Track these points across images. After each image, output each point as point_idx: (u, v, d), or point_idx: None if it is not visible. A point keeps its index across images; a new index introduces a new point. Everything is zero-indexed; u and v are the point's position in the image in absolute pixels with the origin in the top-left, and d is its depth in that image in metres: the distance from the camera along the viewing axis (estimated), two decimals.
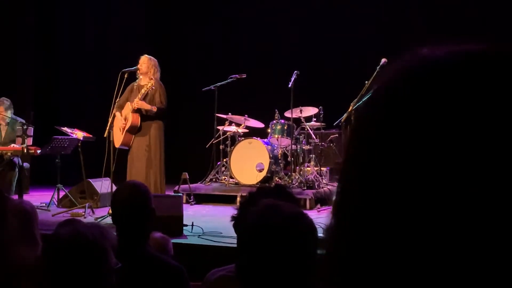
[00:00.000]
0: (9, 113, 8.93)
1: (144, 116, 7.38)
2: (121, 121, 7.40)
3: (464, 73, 0.55)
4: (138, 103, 7.26)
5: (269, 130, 8.95)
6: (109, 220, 6.48)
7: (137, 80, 7.54)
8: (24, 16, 11.45)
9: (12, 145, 8.64)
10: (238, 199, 7.43)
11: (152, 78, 7.38)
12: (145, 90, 7.31)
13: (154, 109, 7.31)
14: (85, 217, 6.84)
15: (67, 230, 2.16)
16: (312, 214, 6.79)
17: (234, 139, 8.94)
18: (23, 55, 11.44)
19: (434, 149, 0.53)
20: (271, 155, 8.52)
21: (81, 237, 2.11)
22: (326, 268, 0.61)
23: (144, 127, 7.39)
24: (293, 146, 8.69)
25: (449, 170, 0.52)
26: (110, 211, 6.64)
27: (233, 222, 2.56)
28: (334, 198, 0.62)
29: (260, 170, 8.51)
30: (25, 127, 8.08)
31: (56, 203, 8.03)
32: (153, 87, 7.31)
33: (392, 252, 0.54)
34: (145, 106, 7.29)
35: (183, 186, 8.44)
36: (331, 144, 9.43)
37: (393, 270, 0.54)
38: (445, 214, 0.52)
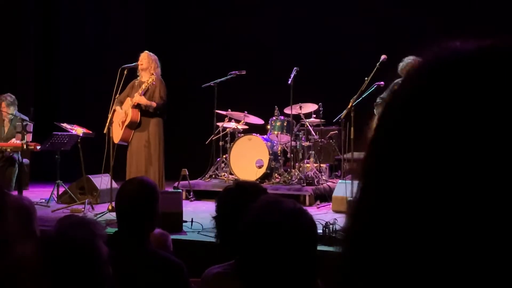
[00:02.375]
0: (12, 110, 8.90)
1: (144, 112, 7.38)
2: (121, 115, 7.40)
3: (494, 68, 0.54)
4: (137, 98, 7.26)
5: (268, 127, 8.94)
6: (108, 216, 6.49)
7: (138, 77, 7.54)
8: (24, 12, 11.44)
9: (12, 140, 8.63)
10: None
11: (152, 74, 7.39)
12: (146, 86, 7.32)
13: (154, 104, 7.31)
14: (84, 213, 6.84)
15: (52, 229, 2.18)
16: (312, 211, 6.79)
17: (233, 136, 8.94)
18: (24, 51, 11.43)
19: (463, 146, 0.52)
20: (270, 152, 8.52)
21: (64, 236, 2.13)
22: (341, 268, 0.60)
23: (144, 123, 7.40)
24: (292, 142, 8.69)
25: (472, 168, 0.51)
26: (110, 207, 6.72)
27: (214, 219, 2.62)
28: (353, 196, 0.61)
29: (260, 167, 8.51)
30: (24, 123, 8.07)
31: (55, 199, 8.04)
32: (154, 83, 7.32)
33: (411, 253, 0.53)
34: (144, 101, 7.29)
35: (182, 182, 8.44)
36: (331, 141, 9.44)
37: (412, 271, 0.53)
38: (472, 215, 0.51)
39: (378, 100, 7.26)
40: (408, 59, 7.13)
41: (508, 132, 0.51)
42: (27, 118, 8.51)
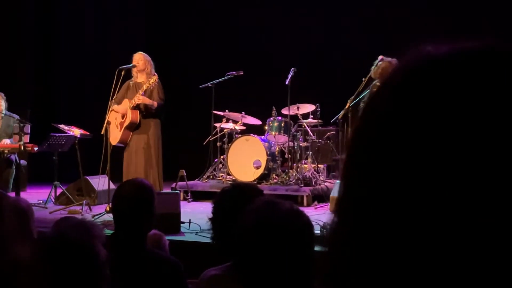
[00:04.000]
0: (3, 107, 8.83)
1: (143, 113, 7.37)
2: (119, 116, 7.39)
3: (466, 71, 0.55)
4: (140, 98, 7.23)
5: (266, 127, 8.94)
6: (106, 217, 6.49)
7: (132, 78, 7.52)
8: (24, 13, 11.43)
9: (5, 141, 8.50)
10: None
11: (151, 74, 7.38)
12: (147, 86, 7.29)
13: (155, 104, 7.30)
14: (82, 215, 6.84)
15: (51, 231, 2.18)
16: (309, 211, 6.79)
17: (231, 136, 8.93)
18: (23, 52, 11.41)
19: (437, 148, 0.53)
20: (268, 152, 8.52)
21: (64, 238, 2.12)
22: (327, 266, 0.60)
23: (143, 124, 7.38)
24: (290, 143, 8.69)
25: (452, 169, 0.52)
26: (108, 208, 6.71)
27: (210, 221, 2.62)
28: (337, 195, 0.62)
29: (257, 167, 8.51)
30: (21, 124, 8.04)
31: (53, 200, 8.02)
32: (157, 82, 7.32)
33: (396, 251, 0.54)
34: (147, 101, 7.27)
35: (180, 183, 8.43)
36: (328, 141, 9.44)
37: (397, 269, 0.54)
38: (451, 213, 0.52)
39: (361, 104, 7.29)
40: (380, 62, 7.17)
41: (489, 134, 0.52)
42: (17, 117, 8.47)
